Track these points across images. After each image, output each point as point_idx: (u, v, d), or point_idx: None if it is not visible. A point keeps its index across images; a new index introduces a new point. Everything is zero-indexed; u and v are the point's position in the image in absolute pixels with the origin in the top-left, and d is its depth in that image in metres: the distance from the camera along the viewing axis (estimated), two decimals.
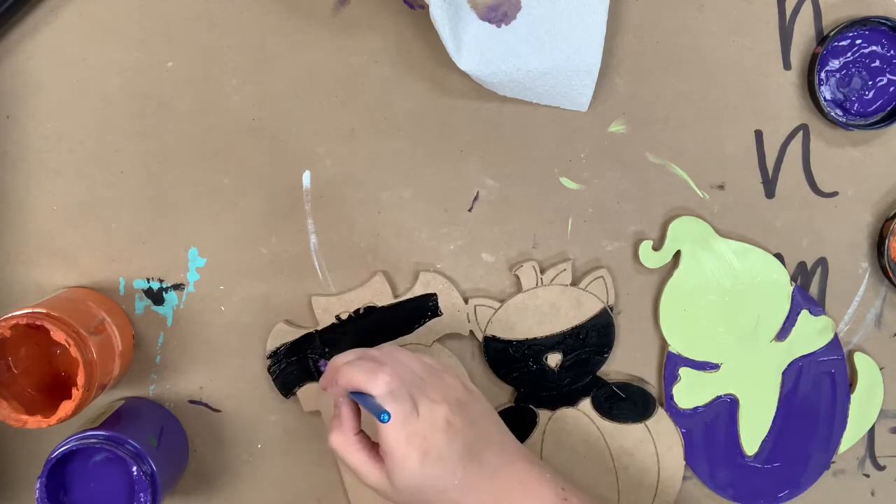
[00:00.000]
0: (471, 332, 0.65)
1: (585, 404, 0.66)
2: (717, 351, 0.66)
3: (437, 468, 0.52)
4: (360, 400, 0.53)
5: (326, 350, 0.63)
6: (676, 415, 0.66)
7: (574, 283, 0.65)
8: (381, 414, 0.51)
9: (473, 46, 0.59)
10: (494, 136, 0.64)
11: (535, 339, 0.65)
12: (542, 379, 0.65)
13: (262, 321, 0.64)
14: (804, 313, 0.66)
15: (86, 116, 0.62)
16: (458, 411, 0.53)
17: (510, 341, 0.64)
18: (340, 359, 0.55)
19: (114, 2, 0.61)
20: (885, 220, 0.66)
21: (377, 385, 0.52)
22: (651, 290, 0.66)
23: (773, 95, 0.65)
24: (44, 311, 0.55)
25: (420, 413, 0.52)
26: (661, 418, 0.66)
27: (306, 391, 0.64)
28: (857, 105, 0.64)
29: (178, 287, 0.63)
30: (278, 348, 0.64)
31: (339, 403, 0.55)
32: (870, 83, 0.64)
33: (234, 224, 0.63)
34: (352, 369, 0.53)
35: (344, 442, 0.54)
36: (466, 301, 0.64)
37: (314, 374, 0.64)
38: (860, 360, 0.67)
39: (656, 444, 0.66)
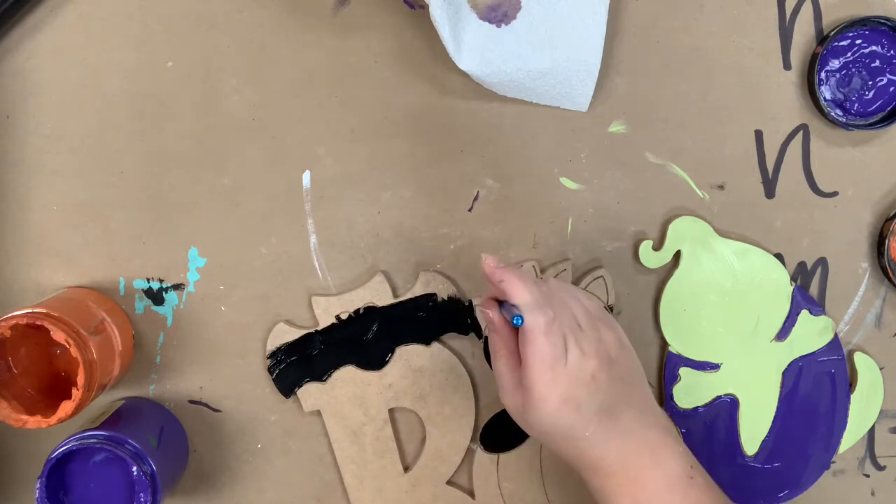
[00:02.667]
0: (471, 332, 0.65)
1: None
2: (717, 351, 0.66)
3: (572, 417, 0.52)
4: (505, 309, 0.54)
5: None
6: (676, 415, 0.66)
7: (574, 283, 0.64)
8: (515, 317, 0.52)
9: (473, 46, 0.59)
10: (494, 136, 0.64)
11: None
12: None
13: (262, 321, 0.64)
14: (804, 313, 0.66)
15: (86, 116, 0.62)
16: (605, 367, 0.53)
17: None
18: (505, 269, 0.55)
19: (114, 2, 0.61)
20: (885, 220, 0.66)
21: (538, 318, 0.52)
22: (651, 290, 0.66)
23: (773, 95, 0.65)
24: (44, 311, 0.55)
25: (568, 360, 0.52)
26: None
27: (306, 391, 0.64)
28: (857, 105, 0.64)
29: (178, 287, 0.63)
30: (278, 348, 0.64)
31: (491, 319, 0.55)
32: (870, 83, 0.64)
33: (234, 224, 0.63)
34: (523, 288, 0.53)
35: (503, 350, 0.54)
36: (466, 301, 0.64)
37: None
38: (860, 360, 0.67)
39: None
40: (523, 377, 0.53)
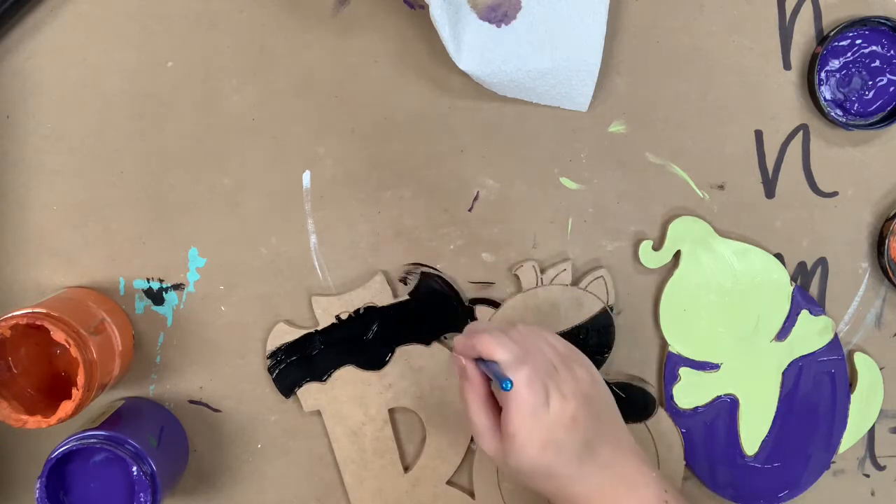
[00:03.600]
0: None
1: None
2: (717, 351, 0.66)
3: (554, 459, 0.53)
4: (487, 367, 0.54)
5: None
6: (676, 415, 0.66)
7: (574, 283, 0.65)
8: (504, 381, 0.52)
9: (473, 46, 0.59)
10: (494, 136, 0.64)
11: None
12: None
13: (262, 321, 0.64)
14: (804, 313, 0.66)
15: (86, 116, 0.62)
16: (583, 407, 0.54)
17: None
18: (477, 326, 0.56)
19: (114, 2, 0.61)
20: (885, 220, 0.66)
21: (518, 373, 0.52)
22: (651, 290, 0.66)
23: (773, 95, 0.65)
24: (44, 311, 0.55)
25: (550, 406, 0.53)
26: (661, 418, 0.66)
27: (306, 391, 0.64)
28: (857, 105, 0.64)
29: (178, 287, 0.63)
30: (278, 348, 0.64)
31: (466, 366, 0.55)
32: (870, 83, 0.64)
33: (234, 224, 0.63)
34: (497, 345, 0.53)
35: (475, 399, 0.55)
36: (467, 301, 0.64)
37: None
38: (860, 360, 0.67)
39: (656, 444, 0.66)
40: (505, 424, 0.53)
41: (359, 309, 0.64)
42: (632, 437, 0.57)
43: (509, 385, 0.52)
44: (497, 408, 0.55)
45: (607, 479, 0.55)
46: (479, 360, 0.55)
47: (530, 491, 0.65)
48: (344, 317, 0.64)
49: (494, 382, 0.54)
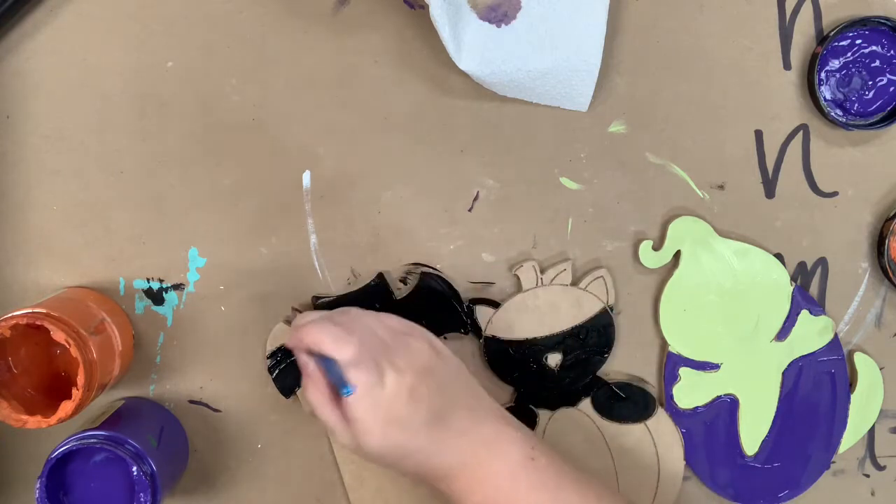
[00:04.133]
0: (471, 331, 0.65)
1: (585, 404, 0.66)
2: (717, 351, 0.66)
3: (400, 436, 0.52)
4: (323, 364, 0.53)
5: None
6: (676, 415, 0.66)
7: (574, 283, 0.65)
8: (343, 387, 0.51)
9: (473, 46, 0.59)
10: (494, 136, 0.64)
11: (535, 339, 0.65)
12: (542, 379, 0.65)
13: (262, 321, 0.64)
14: (804, 313, 0.66)
15: (86, 116, 0.62)
16: (424, 378, 0.53)
17: (510, 341, 0.64)
18: (307, 317, 0.55)
19: (114, 2, 0.61)
20: (885, 220, 0.66)
21: (343, 352, 0.52)
22: (651, 290, 0.66)
23: (773, 95, 0.65)
24: (44, 311, 0.55)
25: (386, 383, 0.52)
26: (661, 418, 0.66)
27: None
28: (857, 105, 0.64)
29: (178, 287, 0.63)
30: (278, 348, 0.64)
31: (306, 362, 0.54)
32: (870, 83, 0.64)
33: (234, 224, 0.63)
34: (319, 332, 0.53)
35: (318, 397, 0.54)
36: (467, 301, 0.64)
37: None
38: (860, 360, 0.67)
39: (656, 444, 0.66)
40: (345, 412, 0.53)
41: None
42: (493, 401, 0.56)
43: (349, 390, 0.51)
44: (332, 403, 0.54)
45: (466, 445, 0.54)
46: (317, 357, 0.53)
47: None
48: None
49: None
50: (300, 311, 0.61)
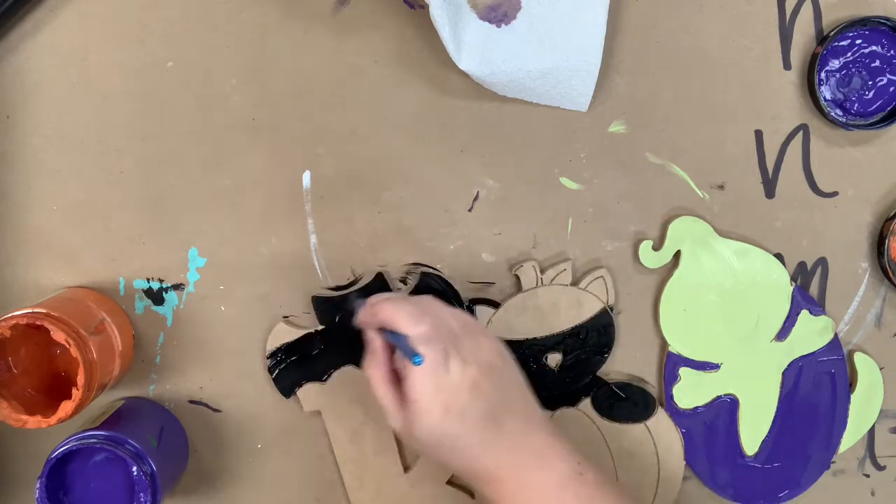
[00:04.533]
0: None
1: (585, 404, 0.66)
2: (717, 351, 0.66)
3: (457, 426, 0.52)
4: (394, 339, 0.53)
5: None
6: (676, 415, 0.66)
7: (574, 283, 0.65)
8: (414, 356, 0.51)
9: (473, 46, 0.59)
10: (494, 136, 0.64)
11: (535, 339, 0.65)
12: (542, 379, 0.65)
13: (262, 321, 0.64)
14: (804, 313, 0.66)
15: (86, 116, 0.62)
16: (487, 375, 0.53)
17: (510, 341, 0.64)
18: (382, 296, 0.56)
19: (114, 2, 0.61)
20: (885, 220, 0.66)
21: (416, 329, 0.52)
22: (651, 290, 0.66)
23: (773, 95, 0.65)
24: (44, 311, 0.55)
25: (450, 368, 0.52)
26: (661, 418, 0.66)
27: (306, 391, 0.64)
28: (857, 105, 0.64)
29: (178, 287, 0.63)
30: (278, 348, 0.64)
31: (373, 338, 0.55)
32: (870, 83, 0.64)
33: (234, 224, 0.63)
34: (394, 308, 0.53)
35: (377, 373, 0.54)
36: (467, 301, 0.64)
37: (349, 317, 0.61)
38: (860, 360, 0.67)
39: (656, 444, 0.66)
40: (406, 391, 0.53)
41: (359, 309, 0.64)
42: (542, 413, 0.57)
43: (419, 360, 0.51)
44: (399, 382, 0.55)
45: (516, 452, 0.54)
46: (386, 332, 0.54)
47: None
48: (344, 316, 0.64)
49: (399, 353, 0.53)
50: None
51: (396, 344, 0.53)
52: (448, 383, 0.52)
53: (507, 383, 0.55)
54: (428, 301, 0.56)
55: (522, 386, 0.57)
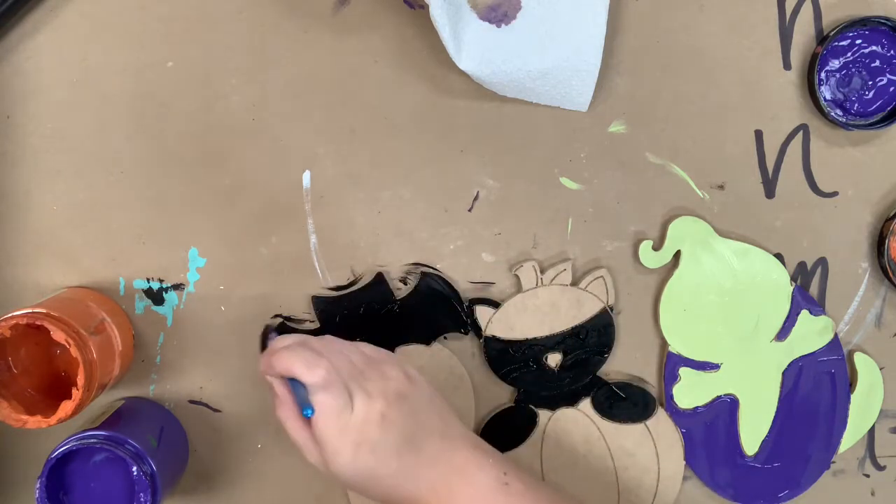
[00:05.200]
0: (471, 331, 0.65)
1: (585, 404, 0.66)
2: (717, 351, 0.66)
3: (370, 460, 0.52)
4: (293, 387, 0.53)
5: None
6: (676, 415, 0.66)
7: (574, 283, 0.65)
8: (305, 408, 0.52)
9: (473, 46, 0.59)
10: (494, 136, 0.64)
11: (535, 339, 0.65)
12: (542, 379, 0.65)
13: (262, 321, 0.64)
14: (804, 313, 0.66)
15: (86, 116, 0.62)
16: (395, 404, 0.54)
17: (510, 341, 0.64)
18: (279, 342, 0.55)
19: (114, 2, 0.61)
20: (885, 220, 0.66)
21: (313, 376, 0.52)
22: (651, 290, 0.66)
23: (773, 95, 0.65)
24: (44, 311, 0.55)
25: (354, 407, 0.52)
26: (661, 418, 0.66)
27: None
28: (857, 105, 0.64)
29: (178, 287, 0.63)
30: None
31: (276, 384, 0.55)
32: (870, 83, 0.64)
33: (234, 224, 0.63)
34: (290, 356, 0.53)
35: (289, 417, 0.54)
36: (467, 301, 0.64)
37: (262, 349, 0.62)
38: (860, 360, 0.67)
39: (656, 444, 0.66)
40: (315, 434, 0.53)
41: (359, 308, 0.64)
42: (465, 428, 0.57)
43: (309, 412, 0.51)
44: (304, 424, 0.54)
45: (438, 473, 0.54)
46: (288, 380, 0.54)
47: None
48: (344, 316, 0.64)
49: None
50: (276, 333, 0.61)
51: (294, 392, 0.53)
52: (354, 422, 0.52)
53: (419, 408, 0.55)
54: (326, 342, 0.55)
55: (437, 405, 0.57)
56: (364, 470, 0.53)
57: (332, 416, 0.52)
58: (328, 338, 0.57)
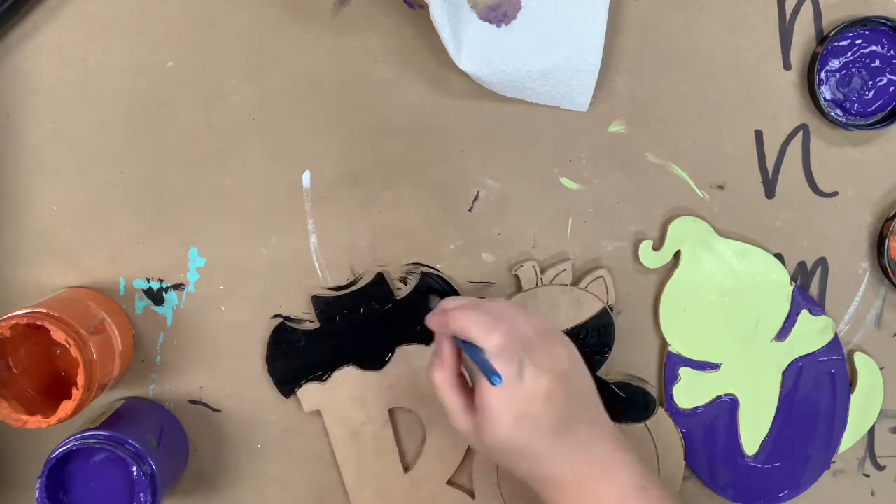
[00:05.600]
0: None
1: None
2: (717, 351, 0.66)
3: (527, 435, 0.52)
4: (467, 350, 0.53)
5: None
6: (676, 415, 0.66)
7: (574, 283, 0.64)
8: (491, 375, 0.51)
9: (473, 46, 0.59)
10: (494, 136, 0.64)
11: None
12: None
13: (262, 321, 0.64)
14: (804, 313, 0.66)
15: (86, 116, 0.62)
16: (560, 383, 0.53)
17: None
18: (453, 302, 0.55)
19: (114, 2, 0.61)
20: (885, 220, 0.66)
21: (490, 341, 0.52)
22: (651, 290, 0.66)
23: (773, 95, 0.65)
24: (44, 311, 0.55)
25: (524, 378, 0.52)
26: (661, 418, 0.66)
27: (306, 391, 0.64)
28: (857, 105, 0.64)
29: (178, 287, 0.63)
30: (278, 348, 0.63)
31: (442, 341, 0.55)
32: (870, 83, 0.64)
33: (234, 224, 0.63)
34: (467, 318, 0.53)
35: (444, 380, 0.54)
36: None
37: (426, 308, 0.59)
38: (860, 360, 0.67)
39: (656, 444, 0.66)
40: (478, 398, 0.53)
41: (359, 309, 0.64)
42: (612, 422, 0.56)
43: (498, 380, 0.51)
44: (466, 385, 0.55)
45: (583, 460, 0.54)
46: (458, 341, 0.54)
47: (531, 491, 0.65)
48: (344, 317, 0.64)
49: (467, 360, 0.53)
50: (440, 297, 0.60)
51: (471, 358, 0.53)
52: (521, 393, 0.52)
53: (579, 391, 0.55)
54: (503, 307, 0.55)
55: (592, 394, 0.56)
56: (518, 443, 0.52)
57: (502, 385, 0.52)
58: (502, 303, 0.56)
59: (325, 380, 0.64)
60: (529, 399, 0.52)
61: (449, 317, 0.53)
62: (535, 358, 0.53)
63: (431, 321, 0.55)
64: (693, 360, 0.66)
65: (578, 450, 0.53)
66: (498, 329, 0.52)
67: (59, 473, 0.57)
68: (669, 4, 0.63)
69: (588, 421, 0.55)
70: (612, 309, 0.65)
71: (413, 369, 0.64)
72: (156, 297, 0.63)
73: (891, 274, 0.65)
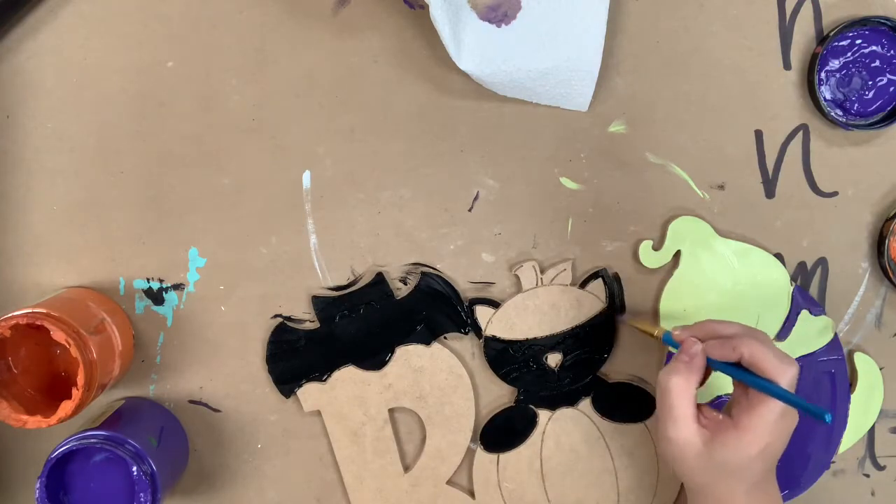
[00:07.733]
0: (471, 332, 0.65)
1: (585, 404, 0.66)
2: None
3: (759, 465, 0.54)
4: (755, 382, 0.53)
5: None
6: None
7: (574, 283, 0.65)
8: (823, 414, 0.51)
9: (473, 46, 0.59)
10: (494, 136, 0.64)
11: (535, 339, 0.65)
12: (542, 379, 0.65)
13: (262, 321, 0.64)
14: (804, 313, 0.66)
15: (86, 116, 0.62)
16: (787, 440, 0.55)
17: (510, 341, 0.64)
18: (731, 327, 0.56)
19: (114, 2, 0.61)
20: (885, 220, 0.66)
21: (786, 377, 0.53)
22: (651, 290, 0.66)
23: (773, 95, 0.65)
24: (44, 311, 0.55)
25: (785, 416, 0.54)
26: None
27: (306, 391, 0.64)
28: (857, 105, 0.64)
29: (178, 287, 0.63)
30: (278, 347, 0.64)
31: (695, 354, 0.55)
32: (870, 83, 0.64)
33: (234, 224, 0.63)
34: (763, 348, 0.54)
35: (684, 389, 0.55)
36: (467, 301, 0.64)
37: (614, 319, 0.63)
38: (860, 360, 0.67)
39: (656, 444, 0.66)
40: (747, 417, 0.53)
41: (359, 308, 0.64)
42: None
43: (830, 417, 0.51)
44: (695, 398, 0.55)
45: (759, 498, 0.55)
46: (720, 364, 0.55)
47: (531, 491, 0.65)
48: (344, 316, 0.64)
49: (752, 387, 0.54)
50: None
51: (757, 386, 0.53)
52: (779, 428, 0.54)
53: (780, 452, 0.57)
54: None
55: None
56: (742, 470, 0.54)
57: (777, 415, 0.53)
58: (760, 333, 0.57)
59: (325, 380, 0.64)
60: (779, 435, 0.54)
61: (741, 342, 0.54)
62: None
63: (713, 346, 0.55)
64: None
65: (763, 495, 0.56)
66: (793, 365, 0.53)
67: (59, 473, 0.57)
68: (669, 4, 0.63)
69: (767, 479, 0.57)
70: (623, 310, 0.65)
71: (413, 369, 0.64)
72: (156, 297, 0.63)
73: (891, 274, 0.65)
